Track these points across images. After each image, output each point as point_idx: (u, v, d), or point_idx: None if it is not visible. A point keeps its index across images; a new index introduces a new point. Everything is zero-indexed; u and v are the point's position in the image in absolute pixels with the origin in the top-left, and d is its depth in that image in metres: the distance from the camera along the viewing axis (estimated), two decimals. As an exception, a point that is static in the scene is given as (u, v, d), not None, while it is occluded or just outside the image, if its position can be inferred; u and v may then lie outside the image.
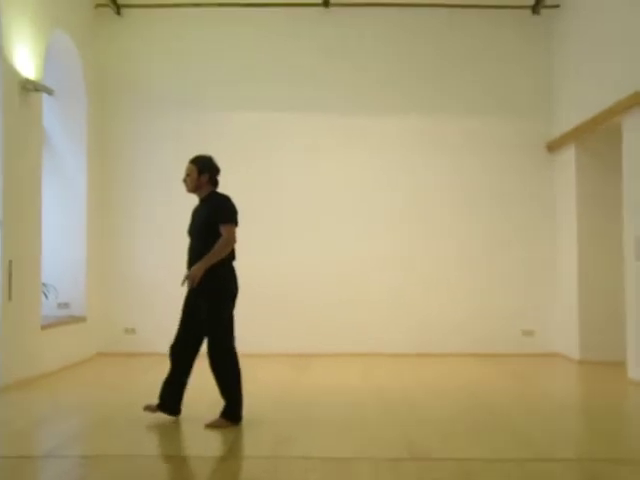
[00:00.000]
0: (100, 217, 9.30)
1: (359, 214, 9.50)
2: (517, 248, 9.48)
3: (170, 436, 5.12)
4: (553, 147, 9.29)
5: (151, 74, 9.54)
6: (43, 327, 7.65)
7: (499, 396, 6.63)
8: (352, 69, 9.57)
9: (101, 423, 5.50)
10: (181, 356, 5.43)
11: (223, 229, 5.25)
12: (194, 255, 5.33)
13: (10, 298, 6.82)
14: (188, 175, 5.47)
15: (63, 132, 8.86)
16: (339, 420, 5.56)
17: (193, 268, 5.22)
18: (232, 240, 5.30)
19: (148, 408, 5.43)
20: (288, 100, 9.51)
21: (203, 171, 5.44)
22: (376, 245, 9.45)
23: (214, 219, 5.29)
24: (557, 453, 4.69)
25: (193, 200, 5.61)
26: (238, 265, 9.15)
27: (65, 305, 8.79)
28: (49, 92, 7.62)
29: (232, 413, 5.26)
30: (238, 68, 9.53)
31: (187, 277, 5.27)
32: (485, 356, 9.01)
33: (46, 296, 8.32)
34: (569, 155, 8.92)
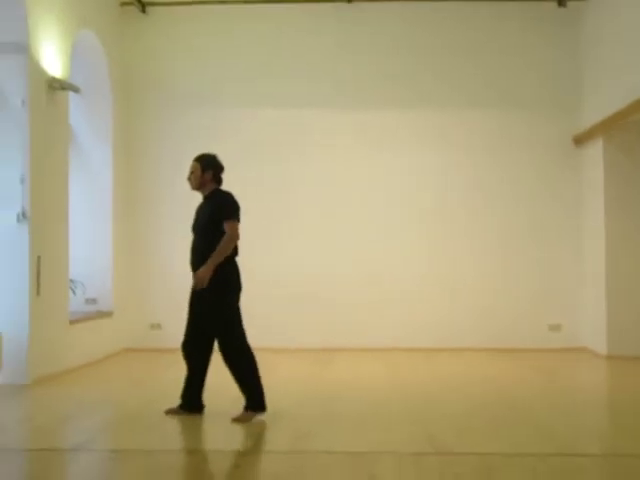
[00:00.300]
0: (126, 213, 9.39)
1: (379, 211, 9.47)
2: (544, 243, 9.39)
3: (194, 431, 5.17)
4: (580, 141, 9.19)
5: (175, 71, 9.60)
6: (71, 322, 7.76)
7: (523, 390, 6.60)
8: (370, 65, 9.52)
9: (128, 418, 5.57)
10: (194, 355, 5.48)
11: (226, 226, 5.29)
12: (197, 252, 5.38)
13: (38, 293, 6.93)
14: (192, 173, 5.54)
15: (89, 129, 8.96)
16: (361, 415, 5.58)
17: (200, 270, 5.24)
18: (235, 236, 5.33)
19: (170, 411, 5.47)
20: (308, 96, 9.50)
21: (207, 169, 5.50)
22: (399, 241, 9.43)
23: (217, 216, 5.33)
24: (581, 448, 4.66)
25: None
26: (261, 262, 9.23)
27: (93, 301, 8.89)
28: (75, 90, 7.72)
29: (255, 403, 5.30)
30: (259, 64, 9.54)
31: (195, 280, 5.29)
32: (510, 351, 8.96)
33: (74, 292, 8.43)
34: (597, 149, 8.81)
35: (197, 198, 5.70)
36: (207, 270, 5.21)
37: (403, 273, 9.40)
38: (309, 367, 7.99)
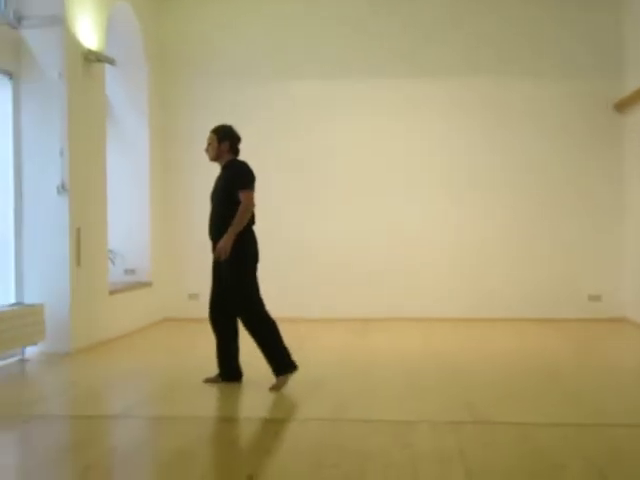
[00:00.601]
0: (162, 184, 9.46)
1: (414, 180, 9.40)
2: (584, 212, 9.25)
3: (234, 399, 5.24)
4: (622, 107, 8.99)
5: (209, 43, 9.56)
6: (111, 293, 7.87)
7: (562, 361, 6.56)
8: (405, 33, 9.39)
9: (168, 386, 5.65)
10: (221, 323, 5.54)
11: (241, 195, 5.32)
12: (214, 221, 5.45)
13: (79, 264, 7.04)
14: (209, 144, 5.59)
15: (125, 101, 9.00)
16: (398, 383, 5.60)
17: (221, 240, 5.29)
18: (250, 205, 5.35)
19: (209, 380, 5.55)
20: (338, 68, 9.40)
21: (223, 140, 5.55)
22: (435, 211, 9.37)
23: (232, 185, 5.38)
24: (620, 419, 4.62)
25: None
26: (304, 232, 9.24)
27: (131, 271, 9.01)
28: (111, 62, 7.74)
29: (283, 365, 5.34)
30: (291, 37, 9.46)
31: (217, 251, 5.33)
32: (549, 321, 8.89)
33: (113, 262, 8.54)
34: (638, 115, 8.63)
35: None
36: (228, 240, 5.26)
37: (439, 242, 9.35)
38: (346, 337, 8.02)
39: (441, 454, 3.78)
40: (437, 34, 9.38)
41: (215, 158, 5.60)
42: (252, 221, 5.46)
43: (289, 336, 7.55)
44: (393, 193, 9.41)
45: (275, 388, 5.28)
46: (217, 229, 5.40)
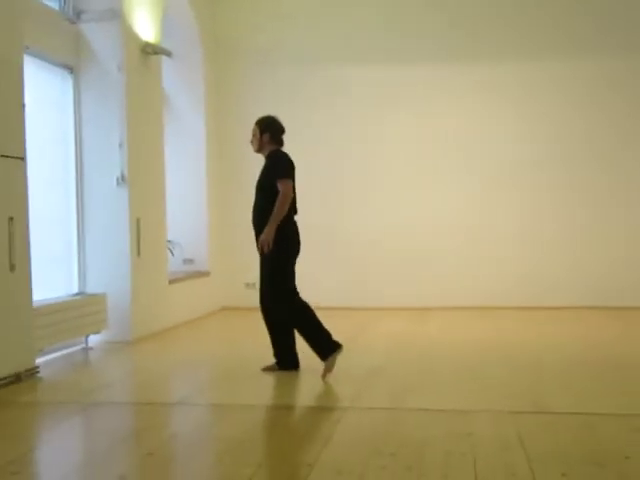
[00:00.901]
0: (219, 175, 9.54)
1: (475, 166, 9.29)
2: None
3: (292, 387, 5.26)
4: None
5: (265, 32, 9.57)
6: (170, 282, 7.99)
7: (625, 349, 6.41)
8: (468, 15, 9.27)
9: (227, 374, 5.71)
10: (272, 312, 5.54)
11: (279, 184, 5.33)
12: (256, 211, 5.50)
13: (139, 255, 7.15)
14: (254, 136, 5.64)
15: (181, 93, 9.10)
16: (457, 372, 5.54)
17: (263, 234, 5.33)
18: (288, 195, 5.34)
19: (267, 369, 5.57)
20: (393, 52, 9.33)
21: (265, 131, 5.58)
22: (493, 198, 9.24)
23: (271, 175, 5.41)
24: (690, 409, 4.48)
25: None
26: (359, 221, 9.20)
27: (190, 261, 9.12)
28: (168, 54, 7.83)
29: (325, 349, 5.34)
30: (348, 24, 9.42)
31: (260, 244, 5.36)
32: (610, 309, 8.69)
33: (172, 253, 8.66)
34: None
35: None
36: (269, 232, 5.29)
37: (498, 230, 9.23)
38: (405, 325, 7.99)
39: (502, 442, 3.73)
40: (500, 17, 9.22)
41: (258, 149, 5.65)
42: (293, 211, 5.48)
43: (347, 325, 7.57)
44: (452, 182, 9.31)
45: (325, 372, 5.29)
46: (258, 220, 5.45)
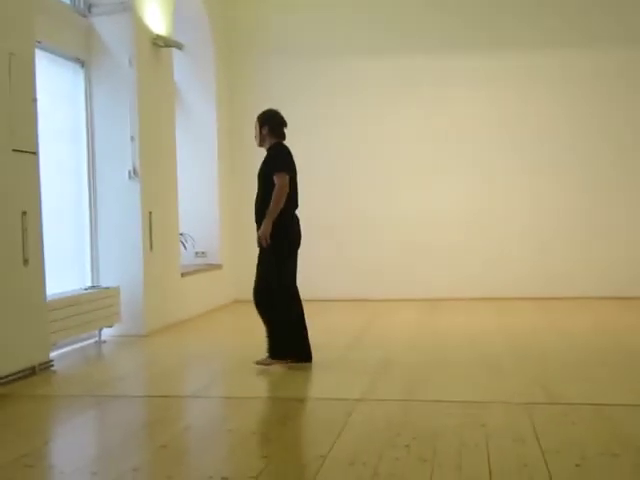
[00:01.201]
0: (230, 168, 9.53)
1: (484, 157, 9.24)
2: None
3: (304, 379, 5.25)
4: None
5: (277, 25, 9.54)
6: (183, 275, 8.00)
7: (641, 340, 6.37)
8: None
9: (239, 366, 5.71)
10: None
11: (275, 178, 5.33)
12: (256, 204, 5.50)
13: (151, 248, 7.16)
14: (255, 130, 5.64)
15: (193, 85, 9.08)
16: (471, 363, 5.52)
17: (260, 229, 5.34)
18: (284, 188, 5.33)
19: (260, 363, 5.46)
20: (406, 45, 9.29)
21: (264, 124, 5.58)
22: (510, 188, 9.19)
23: (268, 168, 5.42)
24: None
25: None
26: (369, 214, 9.15)
27: (202, 254, 9.13)
28: (179, 47, 7.82)
29: (273, 351, 5.38)
30: (359, 16, 9.38)
31: (258, 238, 5.38)
32: (626, 299, 8.63)
33: (184, 246, 8.67)
34: None
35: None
36: (266, 227, 5.30)
37: (511, 221, 9.18)
38: (417, 316, 7.97)
39: (515, 434, 3.71)
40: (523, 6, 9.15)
41: (259, 143, 5.65)
42: (293, 205, 5.47)
43: (359, 317, 7.58)
44: (463, 170, 9.26)
45: (261, 363, 5.35)
46: (258, 213, 5.45)
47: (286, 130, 5.62)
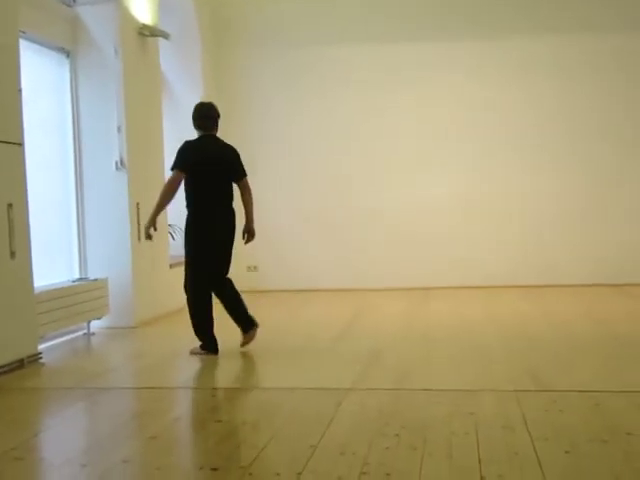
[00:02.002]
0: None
1: (476, 145, 9.25)
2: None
3: (294, 369, 5.25)
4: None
5: (264, 13, 9.49)
6: (171, 266, 7.96)
7: (631, 326, 6.40)
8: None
9: (229, 357, 5.70)
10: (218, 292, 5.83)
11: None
12: None
13: (139, 239, 7.13)
14: None
15: (180, 75, 9.02)
16: (460, 352, 5.54)
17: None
18: (169, 184, 5.52)
19: (195, 352, 5.66)
20: (397, 31, 9.25)
21: (192, 120, 5.73)
22: (503, 177, 9.21)
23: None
24: (694, 385, 4.48)
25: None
26: (359, 203, 9.13)
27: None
28: (165, 36, 7.76)
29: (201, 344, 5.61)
30: (351, 5, 9.35)
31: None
32: (615, 287, 8.68)
33: (173, 237, 8.62)
34: None
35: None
36: (149, 219, 5.61)
37: (504, 209, 9.20)
38: (407, 305, 7.98)
39: (504, 422, 3.72)
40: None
41: None
42: (206, 202, 5.55)
43: (349, 306, 7.59)
44: (452, 160, 9.27)
45: (191, 351, 5.61)
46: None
47: (210, 121, 5.69)
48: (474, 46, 9.15)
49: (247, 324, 5.73)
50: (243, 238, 5.81)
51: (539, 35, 9.03)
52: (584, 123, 9.07)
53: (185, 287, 5.69)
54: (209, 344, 5.63)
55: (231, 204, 5.68)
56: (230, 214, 5.66)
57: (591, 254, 9.02)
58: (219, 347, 5.66)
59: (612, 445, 3.35)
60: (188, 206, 5.62)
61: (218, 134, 5.65)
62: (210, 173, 5.51)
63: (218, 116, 5.74)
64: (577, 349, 5.55)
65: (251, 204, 5.74)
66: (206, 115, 5.66)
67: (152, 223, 5.56)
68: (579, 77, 9.05)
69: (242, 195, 5.75)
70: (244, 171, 5.80)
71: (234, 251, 9.08)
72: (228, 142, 9.53)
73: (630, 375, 4.68)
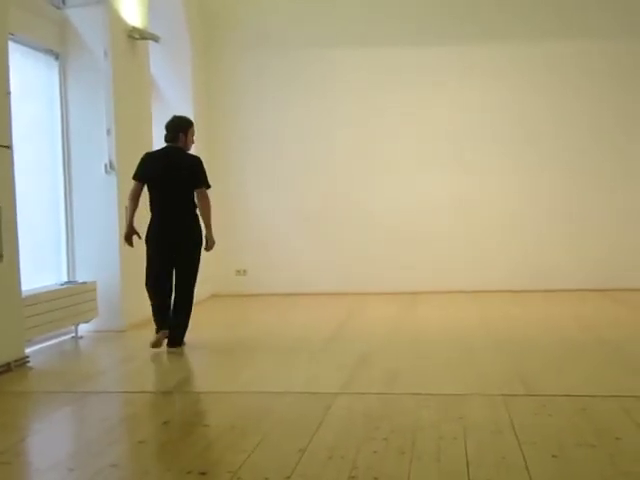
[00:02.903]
0: (208, 161, 9.43)
1: (467, 148, 9.27)
2: None
3: (282, 374, 5.25)
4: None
5: (254, 17, 9.50)
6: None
7: (620, 332, 6.43)
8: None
9: (219, 361, 5.70)
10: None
11: None
12: None
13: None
14: None
15: (169, 78, 9.00)
16: (450, 356, 5.55)
17: None
18: (129, 193, 5.93)
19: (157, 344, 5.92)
20: (386, 35, 9.28)
21: None
22: (493, 181, 9.24)
23: None
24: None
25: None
26: (348, 206, 9.14)
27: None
28: (155, 39, 7.74)
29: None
30: (341, 9, 9.36)
31: None
32: (606, 291, 8.71)
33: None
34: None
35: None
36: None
37: (494, 213, 9.24)
38: (396, 309, 7.99)
39: (493, 426, 3.73)
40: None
41: None
42: (153, 206, 5.98)
43: (338, 309, 7.57)
44: (447, 164, 9.29)
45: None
46: None
47: (170, 134, 6.05)
48: (470, 49, 9.17)
49: (173, 336, 5.97)
50: (205, 246, 6.08)
51: (534, 39, 9.06)
52: (575, 127, 9.11)
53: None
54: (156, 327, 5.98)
55: (186, 212, 5.92)
56: (183, 222, 5.92)
57: (580, 260, 9.06)
58: (209, 349, 5.62)
59: (600, 449, 3.36)
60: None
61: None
62: (163, 182, 5.88)
63: (180, 129, 6.04)
64: (566, 354, 5.57)
65: (206, 214, 5.97)
66: (166, 128, 6.08)
67: (129, 230, 5.95)
68: (572, 81, 9.10)
69: (199, 204, 5.97)
70: (201, 181, 6.01)
71: (222, 254, 9.10)
72: (220, 143, 9.60)
73: (618, 380, 4.70)
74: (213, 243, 6.11)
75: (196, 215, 5.95)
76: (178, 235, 5.90)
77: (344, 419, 3.99)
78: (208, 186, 6.07)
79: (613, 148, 9.08)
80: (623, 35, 8.95)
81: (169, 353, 5.85)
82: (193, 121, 6.29)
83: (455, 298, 8.62)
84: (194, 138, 6.20)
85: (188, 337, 6.73)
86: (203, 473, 3.18)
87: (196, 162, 6.09)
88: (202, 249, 6.06)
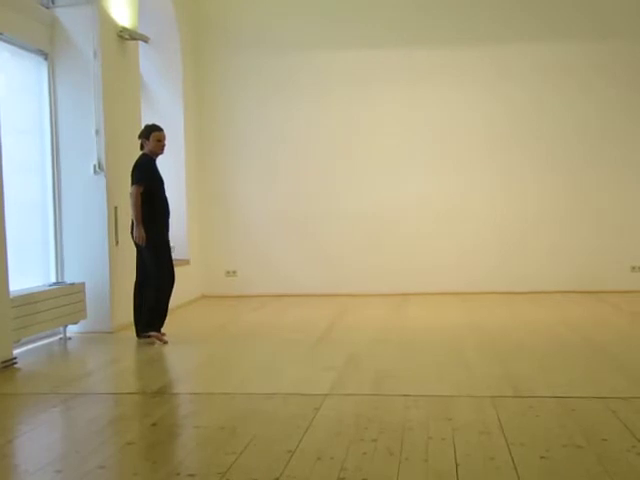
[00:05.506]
0: (199, 162, 9.47)
1: (453, 151, 9.32)
2: (626, 184, 9.09)
3: (271, 375, 5.24)
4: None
5: (244, 17, 9.51)
6: (149, 271, 7.91)
7: (606, 333, 6.47)
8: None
9: (207, 362, 5.68)
10: None
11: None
12: None
13: (117, 243, 7.09)
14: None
15: (159, 79, 9.01)
16: (438, 358, 5.56)
17: None
18: (140, 197, 6.31)
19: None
20: (388, 38, 9.30)
21: None
22: (478, 184, 9.27)
23: None
24: (667, 391, 4.52)
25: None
26: (337, 208, 9.21)
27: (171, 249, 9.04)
28: (145, 40, 7.73)
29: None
30: (334, 9, 9.38)
31: None
32: (591, 293, 8.77)
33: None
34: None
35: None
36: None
37: (480, 216, 9.27)
38: (385, 311, 8.00)
39: (481, 427, 3.74)
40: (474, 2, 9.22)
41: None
42: (157, 210, 6.39)
43: (327, 311, 7.58)
44: (435, 165, 9.33)
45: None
46: None
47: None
48: (456, 52, 9.22)
49: (141, 327, 6.47)
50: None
51: (520, 42, 9.13)
52: (561, 131, 9.15)
53: None
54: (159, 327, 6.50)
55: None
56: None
57: (567, 262, 9.11)
58: (199, 350, 5.61)
59: (587, 450, 3.38)
60: None
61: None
62: (163, 187, 6.60)
63: (139, 137, 6.54)
64: (553, 355, 5.60)
65: (132, 209, 6.32)
66: (142, 134, 6.55)
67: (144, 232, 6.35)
68: (557, 82, 9.16)
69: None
70: (132, 179, 6.38)
71: (212, 255, 9.21)
72: (210, 145, 9.66)
73: (605, 381, 4.72)
74: (137, 239, 6.44)
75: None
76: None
77: (333, 420, 3.99)
78: None
79: (597, 151, 9.13)
80: (608, 37, 9.00)
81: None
82: (158, 125, 6.61)
83: (444, 300, 8.64)
84: (161, 143, 6.54)
85: (177, 338, 6.74)
86: (192, 475, 3.17)
87: (135, 162, 6.56)
88: None
